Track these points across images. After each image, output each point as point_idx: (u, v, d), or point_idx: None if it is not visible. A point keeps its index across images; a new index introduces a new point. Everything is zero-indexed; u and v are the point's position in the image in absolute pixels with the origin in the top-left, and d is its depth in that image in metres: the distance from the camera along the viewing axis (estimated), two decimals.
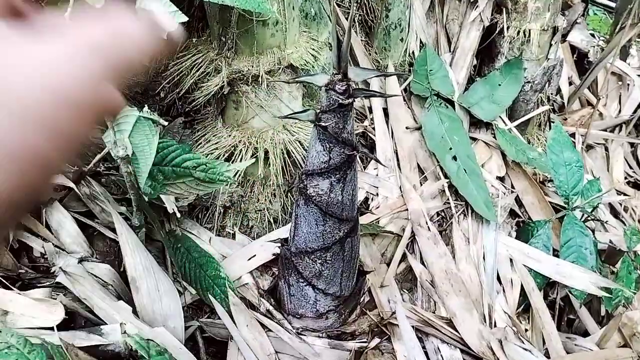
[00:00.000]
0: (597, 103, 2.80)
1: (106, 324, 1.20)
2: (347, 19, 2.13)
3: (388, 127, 2.11)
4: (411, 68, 2.28)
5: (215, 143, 1.72)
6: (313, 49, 1.69)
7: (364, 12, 2.19)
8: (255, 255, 1.69)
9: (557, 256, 1.94)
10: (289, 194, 1.81)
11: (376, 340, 1.59)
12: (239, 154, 1.70)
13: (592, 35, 3.45)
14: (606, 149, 2.97)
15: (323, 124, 1.25)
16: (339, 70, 1.19)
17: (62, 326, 1.13)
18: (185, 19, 1.18)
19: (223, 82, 1.60)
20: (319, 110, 1.27)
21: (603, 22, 4.35)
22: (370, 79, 2.05)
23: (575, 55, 3.24)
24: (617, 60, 3.02)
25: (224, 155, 1.71)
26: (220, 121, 1.76)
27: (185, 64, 1.66)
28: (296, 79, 1.29)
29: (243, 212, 1.80)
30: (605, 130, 2.98)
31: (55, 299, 1.15)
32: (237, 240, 1.76)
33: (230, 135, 1.72)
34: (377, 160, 1.27)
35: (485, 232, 1.94)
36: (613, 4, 4.16)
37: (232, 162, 1.68)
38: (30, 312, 1.09)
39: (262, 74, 1.58)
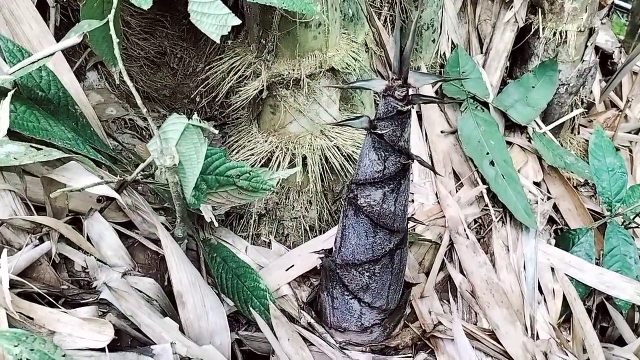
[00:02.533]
0: (625, 106, 2.75)
1: (154, 342, 1.14)
2: (379, 19, 2.07)
3: (422, 130, 2.05)
4: (442, 69, 2.22)
5: (251, 149, 1.66)
6: (353, 51, 1.63)
7: (399, 17, 2.13)
8: (293, 265, 1.63)
9: (598, 264, 1.89)
10: (325, 201, 1.75)
11: (422, 355, 1.53)
12: (276, 160, 1.64)
13: None
14: (630, 151, 2.92)
15: (379, 132, 1.19)
16: (400, 75, 1.13)
17: (109, 346, 1.07)
18: (238, 21, 1.11)
19: (262, 86, 1.54)
20: (374, 118, 1.21)
21: (615, 23, 4.30)
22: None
23: (598, 56, 3.19)
24: None
25: (260, 162, 1.65)
26: (256, 126, 1.70)
27: (222, 67, 1.59)
28: (351, 85, 1.23)
29: (278, 219, 1.74)
30: (629, 132, 2.93)
31: (103, 317, 1.09)
32: (273, 249, 1.70)
33: (266, 141, 1.66)
34: (433, 170, 1.20)
35: (525, 240, 1.88)
36: (627, 5, 4.11)
37: (270, 169, 1.61)
38: (78, 333, 1.02)
39: (303, 78, 1.52)
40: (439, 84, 2.14)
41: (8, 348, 0.80)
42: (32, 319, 1.03)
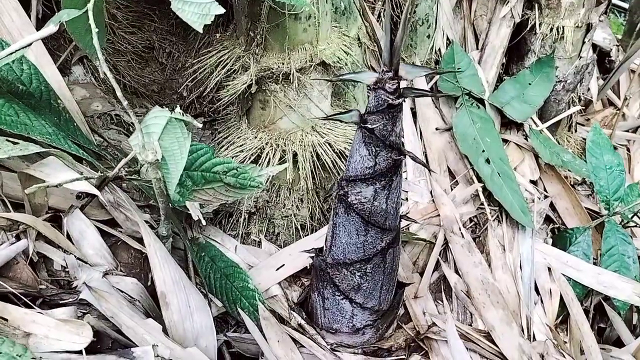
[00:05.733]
0: (623, 104, 2.71)
1: (135, 344, 1.09)
2: (372, 13, 2.03)
3: (416, 127, 2.01)
4: (437, 65, 2.18)
5: (240, 145, 1.62)
6: (345, 45, 1.59)
7: (390, 7, 2.09)
8: (283, 265, 1.59)
9: (595, 264, 1.85)
10: (317, 199, 1.70)
11: (416, 357, 1.49)
12: (266, 157, 1.59)
13: None
14: (628, 150, 2.88)
15: (370, 126, 1.15)
16: (390, 68, 1.09)
17: (88, 348, 1.02)
18: (222, 10, 1.07)
19: (251, 80, 1.49)
20: (364, 112, 1.17)
21: (612, 22, 4.27)
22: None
23: (595, 53, 3.15)
24: None
25: (249, 159, 1.61)
26: (245, 122, 1.66)
27: (210, 61, 1.55)
28: (340, 77, 1.18)
29: (269, 218, 1.70)
30: (627, 131, 2.89)
31: (82, 318, 1.05)
32: (263, 248, 1.66)
33: (256, 137, 1.61)
34: (427, 167, 1.16)
35: (521, 239, 1.84)
36: (624, 4, 4.08)
37: (260, 166, 1.57)
38: (54, 335, 0.98)
39: (293, 72, 1.48)
40: (435, 80, 2.10)
41: None
42: (6, 320, 0.98)
